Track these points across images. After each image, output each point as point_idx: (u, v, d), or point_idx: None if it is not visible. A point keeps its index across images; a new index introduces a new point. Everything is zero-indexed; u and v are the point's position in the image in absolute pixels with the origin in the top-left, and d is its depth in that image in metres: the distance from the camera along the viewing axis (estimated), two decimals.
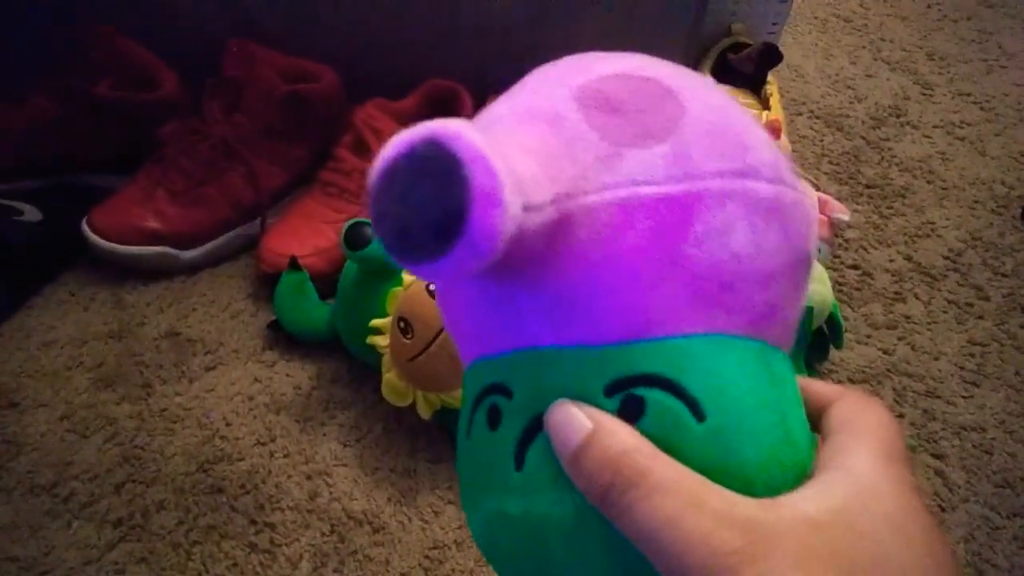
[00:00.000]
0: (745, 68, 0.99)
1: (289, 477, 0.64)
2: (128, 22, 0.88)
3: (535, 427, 0.23)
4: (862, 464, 0.22)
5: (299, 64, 0.91)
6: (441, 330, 0.61)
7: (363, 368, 0.72)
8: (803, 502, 0.21)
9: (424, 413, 0.63)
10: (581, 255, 0.22)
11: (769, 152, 0.25)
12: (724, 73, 0.99)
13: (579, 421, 0.22)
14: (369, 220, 0.66)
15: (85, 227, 0.81)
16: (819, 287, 0.63)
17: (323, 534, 0.61)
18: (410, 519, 0.62)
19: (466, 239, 0.19)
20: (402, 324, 0.63)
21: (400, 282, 0.67)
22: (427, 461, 0.66)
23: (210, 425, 0.68)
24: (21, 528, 0.61)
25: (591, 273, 0.22)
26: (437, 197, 0.19)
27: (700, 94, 0.25)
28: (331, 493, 0.63)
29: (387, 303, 0.67)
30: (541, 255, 0.22)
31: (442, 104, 0.92)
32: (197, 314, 0.79)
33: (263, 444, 0.67)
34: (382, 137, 0.86)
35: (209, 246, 0.85)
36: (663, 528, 0.20)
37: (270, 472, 0.64)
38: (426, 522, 0.62)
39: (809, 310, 0.62)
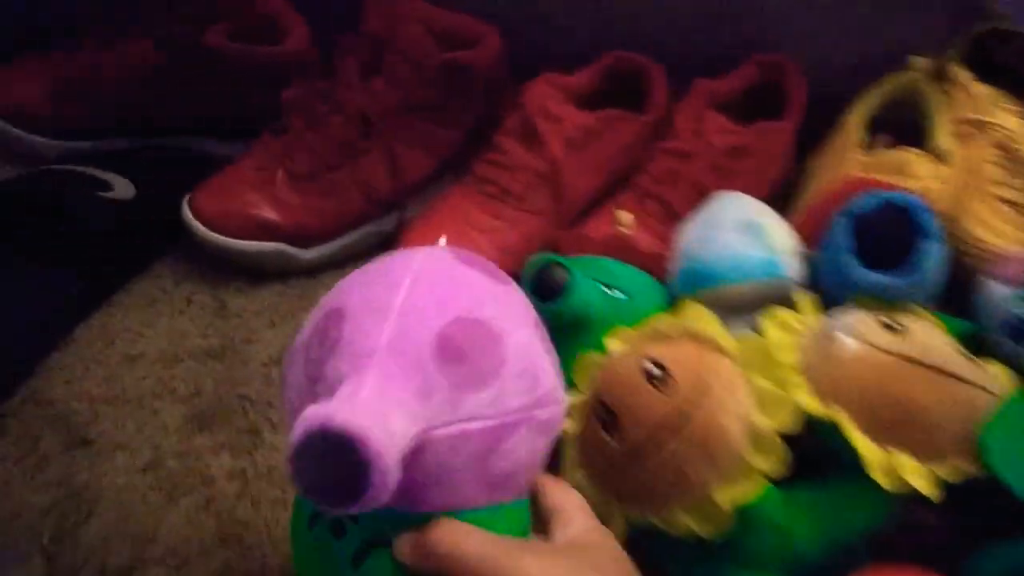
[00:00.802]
0: (1009, 62, 0.78)
1: None
2: None
3: (371, 544, 0.34)
4: (584, 523, 0.36)
5: (455, 21, 0.73)
6: (659, 427, 0.44)
7: None
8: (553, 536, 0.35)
9: (618, 532, 0.46)
10: (428, 465, 0.32)
11: (550, 378, 0.36)
12: (979, 66, 0.78)
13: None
14: (562, 258, 0.50)
15: (187, 211, 0.65)
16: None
17: None
18: None
19: (370, 493, 0.28)
20: (603, 413, 0.46)
21: (598, 344, 0.50)
22: None
23: None
24: None
25: (433, 474, 0.33)
26: (343, 466, 0.28)
27: (516, 335, 0.35)
28: None
29: (574, 370, 0.50)
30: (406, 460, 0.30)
31: (627, 81, 0.74)
32: None
33: None
34: (561, 125, 0.67)
35: (334, 245, 0.69)
36: (482, 560, 0.31)
37: None
38: None
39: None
